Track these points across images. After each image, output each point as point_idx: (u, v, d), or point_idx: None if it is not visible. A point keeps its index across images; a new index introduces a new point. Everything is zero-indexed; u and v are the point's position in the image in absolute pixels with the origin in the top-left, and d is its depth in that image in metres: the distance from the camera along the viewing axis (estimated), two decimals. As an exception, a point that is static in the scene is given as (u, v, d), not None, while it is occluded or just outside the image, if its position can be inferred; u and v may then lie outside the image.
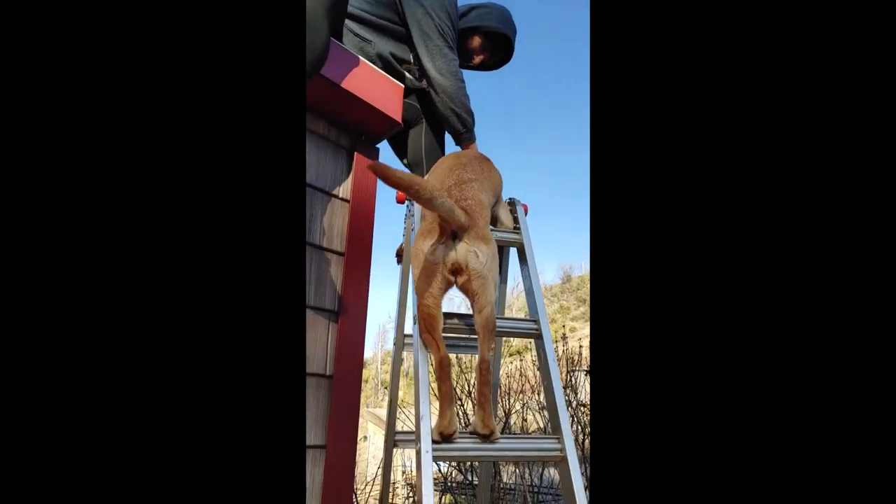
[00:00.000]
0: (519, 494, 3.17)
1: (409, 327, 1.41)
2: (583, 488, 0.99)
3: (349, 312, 1.30)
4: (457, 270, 1.03)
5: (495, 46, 1.70)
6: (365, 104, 1.32)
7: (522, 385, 3.80)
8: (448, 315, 1.11)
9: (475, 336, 1.07)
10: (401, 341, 1.46)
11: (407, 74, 1.61)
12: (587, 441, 3.05)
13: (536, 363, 1.23)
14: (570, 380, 3.42)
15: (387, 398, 1.55)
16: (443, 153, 1.71)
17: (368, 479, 3.81)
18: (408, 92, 1.61)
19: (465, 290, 1.05)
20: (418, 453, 0.96)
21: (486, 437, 1.01)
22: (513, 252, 1.45)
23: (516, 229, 1.36)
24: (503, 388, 3.59)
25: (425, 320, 1.03)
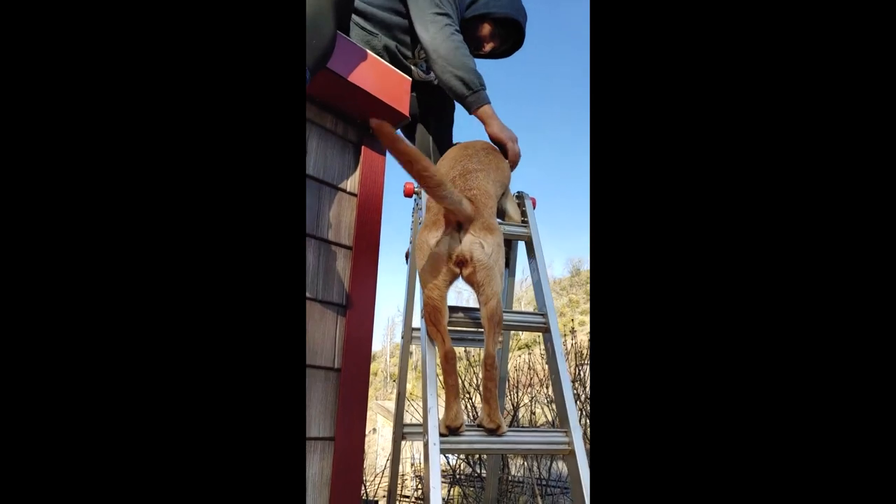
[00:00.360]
0: (527, 487, 3.18)
1: (416, 321, 1.42)
2: (590, 482, 0.99)
3: (357, 306, 1.31)
4: (462, 262, 1.02)
5: (506, 33, 1.65)
6: (372, 98, 1.32)
7: (531, 378, 3.80)
8: (454, 309, 1.11)
9: (482, 329, 1.07)
10: (408, 335, 1.47)
11: (413, 67, 1.60)
12: (596, 434, 3.05)
13: (545, 356, 1.23)
14: (579, 373, 3.41)
15: (395, 390, 1.55)
16: (450, 144, 1.70)
17: (378, 470, 3.84)
18: (415, 86, 1.60)
19: (470, 281, 1.04)
20: (426, 446, 0.96)
21: (493, 432, 1.01)
22: (521, 245, 1.44)
23: (524, 223, 1.35)
24: (512, 382, 3.60)
25: (430, 313, 1.03)
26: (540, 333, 1.23)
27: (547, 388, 3.55)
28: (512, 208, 1.36)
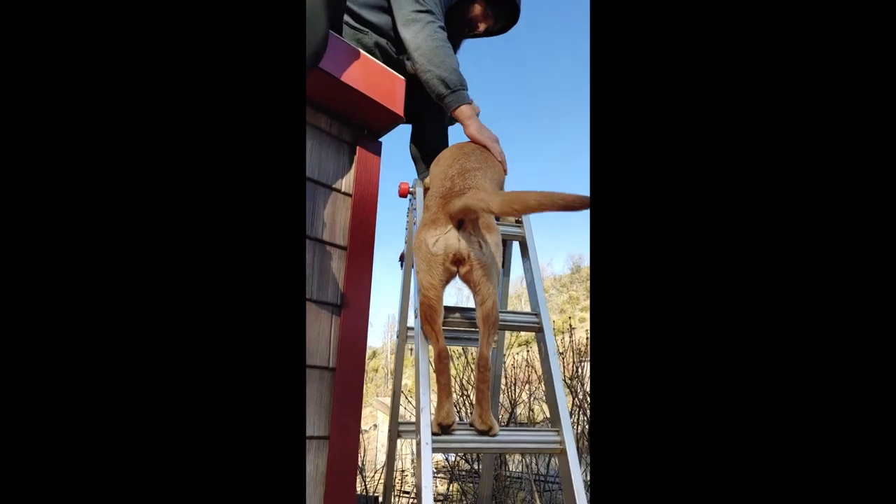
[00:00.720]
0: (525, 484, 3.20)
1: (412, 319, 1.43)
2: (581, 480, 1.00)
3: (352, 306, 1.31)
4: (459, 260, 1.02)
5: (497, 11, 1.62)
6: (366, 98, 1.32)
7: (529, 375, 3.81)
8: (450, 309, 1.11)
9: (477, 329, 1.07)
10: (404, 333, 1.48)
11: (408, 62, 1.59)
12: (593, 431, 3.06)
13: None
14: (578, 370, 3.43)
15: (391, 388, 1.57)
16: (445, 145, 1.70)
17: (378, 466, 3.86)
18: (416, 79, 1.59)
19: (467, 280, 1.04)
20: (418, 444, 0.97)
21: (485, 433, 1.02)
22: (515, 246, 1.45)
23: (518, 223, 1.36)
24: (510, 379, 3.61)
25: (426, 312, 1.04)
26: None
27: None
28: (506, 208, 1.37)
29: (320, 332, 1.25)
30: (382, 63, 1.43)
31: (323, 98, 1.31)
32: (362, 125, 1.43)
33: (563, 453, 1.03)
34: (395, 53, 1.53)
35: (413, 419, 1.71)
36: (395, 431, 1.47)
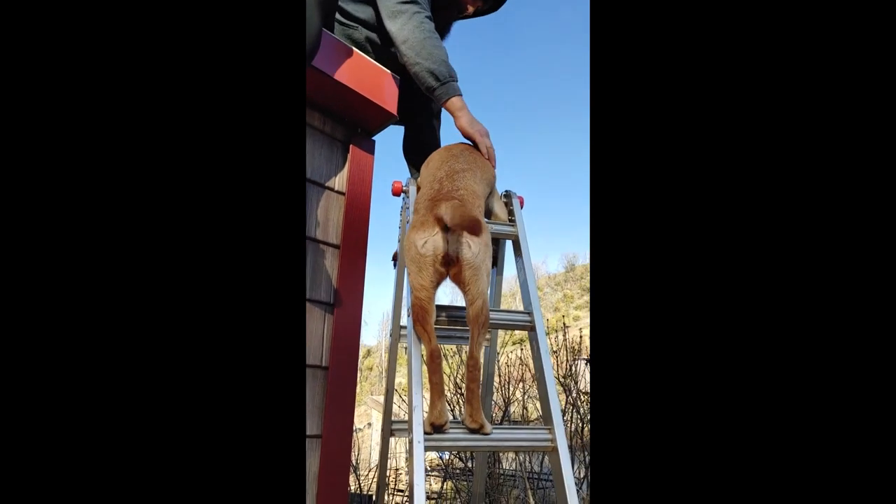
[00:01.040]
0: (519, 481, 3.21)
1: (405, 318, 1.42)
2: (573, 478, 1.00)
3: (345, 304, 1.31)
4: (449, 261, 1.02)
5: None
6: (359, 96, 1.32)
7: (523, 373, 3.82)
8: (441, 308, 1.11)
9: (468, 328, 1.07)
10: (397, 332, 1.48)
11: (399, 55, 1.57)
12: (586, 429, 3.08)
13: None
14: (571, 369, 3.44)
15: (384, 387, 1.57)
16: (438, 145, 1.70)
17: (372, 465, 3.87)
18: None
19: (457, 280, 1.05)
20: (410, 443, 0.98)
21: (476, 431, 1.02)
22: (508, 244, 1.45)
23: (511, 221, 1.36)
24: (504, 377, 3.62)
25: (417, 313, 1.04)
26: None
27: (539, 383, 3.57)
28: (499, 207, 1.37)
29: (313, 331, 1.25)
30: (375, 58, 1.43)
31: (316, 96, 1.31)
32: (356, 123, 1.43)
33: (554, 451, 1.04)
34: (386, 47, 1.52)
35: (406, 417, 1.71)
36: (389, 430, 1.47)
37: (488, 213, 1.36)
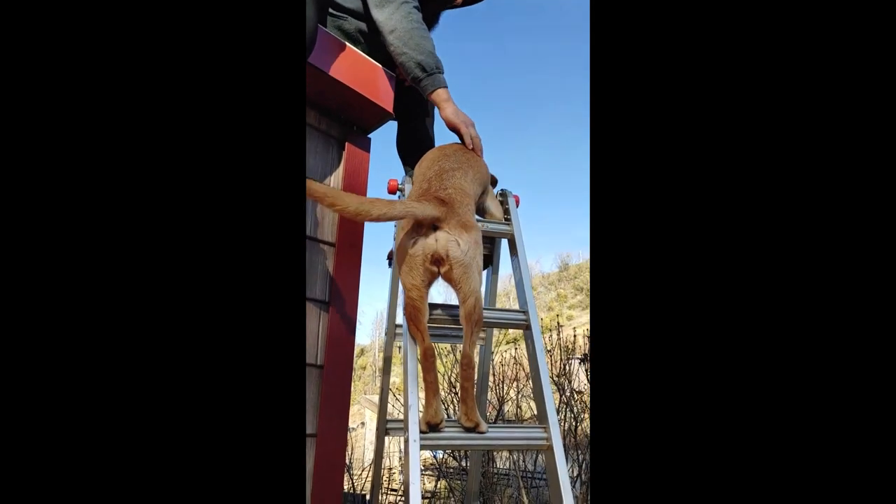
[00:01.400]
0: (513, 480, 3.22)
1: (400, 318, 1.42)
2: (567, 476, 1.01)
3: (340, 303, 1.31)
4: (438, 260, 1.02)
5: None
6: (355, 94, 1.32)
7: (517, 373, 3.83)
8: (434, 306, 1.11)
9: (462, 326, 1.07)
10: (392, 331, 1.47)
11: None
12: (580, 428, 3.09)
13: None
14: (565, 368, 3.45)
15: (380, 386, 1.56)
16: (431, 146, 1.69)
17: (365, 464, 3.86)
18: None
19: (448, 279, 1.05)
20: (406, 442, 0.97)
21: (471, 430, 1.02)
22: (504, 243, 1.45)
23: (507, 220, 1.36)
24: (498, 377, 3.63)
25: (410, 313, 1.04)
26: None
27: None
28: (494, 206, 1.37)
29: (309, 329, 1.24)
30: (367, 50, 1.42)
31: (311, 93, 1.30)
32: (351, 121, 1.42)
33: (549, 450, 1.04)
34: (377, 37, 1.51)
35: (401, 416, 1.70)
36: (384, 429, 1.47)
37: (483, 212, 1.36)
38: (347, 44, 1.34)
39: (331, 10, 1.46)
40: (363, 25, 1.46)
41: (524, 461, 3.32)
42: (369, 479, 3.52)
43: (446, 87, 1.36)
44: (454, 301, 1.12)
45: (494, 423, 2.85)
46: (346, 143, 1.41)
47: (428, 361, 1.02)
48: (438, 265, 1.02)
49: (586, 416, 3.24)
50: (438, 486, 3.47)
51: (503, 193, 1.43)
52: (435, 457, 3.54)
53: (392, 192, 1.44)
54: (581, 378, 3.46)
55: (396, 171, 1.83)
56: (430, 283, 1.05)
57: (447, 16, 1.70)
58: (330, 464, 1.22)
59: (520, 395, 3.73)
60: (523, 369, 3.87)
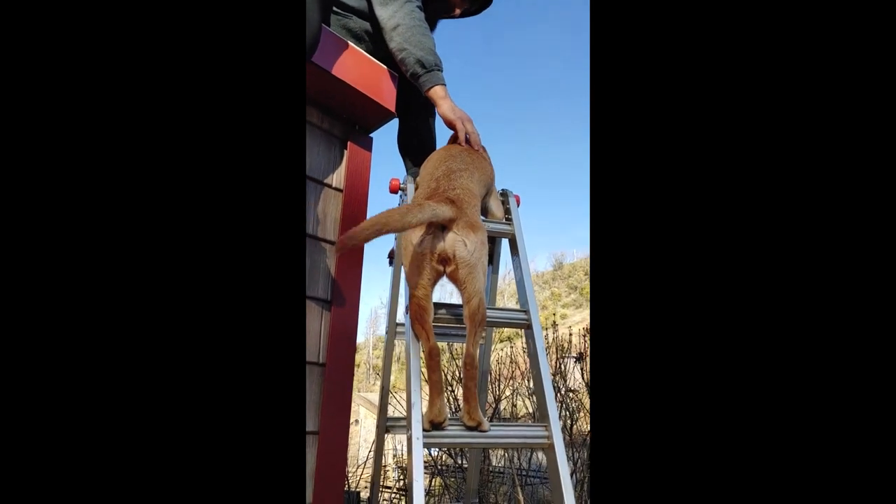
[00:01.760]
0: (507, 478, 3.24)
1: (400, 316, 1.43)
2: (569, 474, 1.02)
3: (342, 301, 1.31)
4: (444, 260, 1.03)
5: None
6: (358, 93, 1.32)
7: (512, 371, 3.85)
8: (438, 305, 1.12)
9: (464, 325, 1.08)
10: (392, 330, 1.48)
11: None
12: (574, 427, 3.12)
13: (526, 350, 1.26)
14: (560, 367, 3.47)
15: (378, 382, 1.57)
16: (433, 145, 1.70)
17: (360, 462, 3.87)
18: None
19: (453, 279, 1.06)
20: (409, 440, 0.98)
21: (474, 429, 1.03)
22: (504, 243, 1.46)
23: (508, 220, 1.37)
24: (493, 375, 3.64)
25: (416, 312, 1.04)
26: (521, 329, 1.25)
27: (528, 380, 3.60)
28: (496, 206, 1.38)
29: (310, 328, 1.25)
30: (372, 50, 1.42)
31: (314, 92, 1.31)
32: (354, 120, 1.43)
33: (550, 448, 1.05)
34: (381, 36, 1.51)
35: (398, 414, 1.71)
36: (384, 427, 1.48)
37: (485, 212, 1.37)
38: (351, 43, 1.34)
39: (335, 8, 1.46)
40: (367, 25, 1.47)
41: (519, 459, 3.34)
42: (364, 476, 3.53)
43: (444, 84, 1.38)
44: (437, 299, 1.13)
45: (490, 420, 2.86)
46: (349, 142, 1.41)
47: (433, 360, 1.03)
48: (444, 265, 1.03)
49: (581, 414, 3.26)
50: (433, 483, 3.49)
51: (504, 193, 1.44)
52: (430, 454, 3.55)
53: (394, 191, 1.45)
54: (576, 377, 3.48)
55: (398, 170, 1.83)
56: (435, 282, 1.05)
57: (443, 24, 1.71)
58: (332, 461, 1.22)
59: (514, 394, 3.75)
60: (518, 367, 3.89)
